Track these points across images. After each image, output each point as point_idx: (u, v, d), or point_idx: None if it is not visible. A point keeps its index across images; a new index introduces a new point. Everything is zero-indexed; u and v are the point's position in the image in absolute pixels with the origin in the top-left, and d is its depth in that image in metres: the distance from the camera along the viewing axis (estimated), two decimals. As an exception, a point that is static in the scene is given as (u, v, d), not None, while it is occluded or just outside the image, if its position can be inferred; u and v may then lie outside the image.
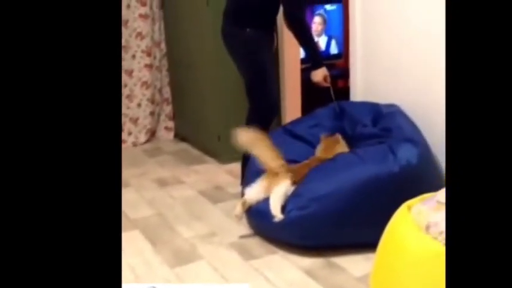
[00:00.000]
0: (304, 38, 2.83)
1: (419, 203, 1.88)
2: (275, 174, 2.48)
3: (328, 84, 2.98)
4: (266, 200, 2.44)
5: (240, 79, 3.07)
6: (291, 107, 3.85)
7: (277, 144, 2.77)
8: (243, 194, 2.60)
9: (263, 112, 2.99)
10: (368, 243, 2.22)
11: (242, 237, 2.61)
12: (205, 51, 3.74)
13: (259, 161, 2.51)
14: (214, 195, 3.20)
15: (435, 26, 2.55)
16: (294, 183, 2.46)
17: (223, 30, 3.02)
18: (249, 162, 2.80)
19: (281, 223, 2.33)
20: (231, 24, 2.95)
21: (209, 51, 3.67)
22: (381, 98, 2.91)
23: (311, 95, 4.04)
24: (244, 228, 2.67)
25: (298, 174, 2.49)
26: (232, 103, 3.67)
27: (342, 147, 2.66)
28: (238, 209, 2.53)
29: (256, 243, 2.53)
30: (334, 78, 2.93)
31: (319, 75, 2.91)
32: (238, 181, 3.31)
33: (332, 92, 3.00)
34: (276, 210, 2.36)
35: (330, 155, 2.59)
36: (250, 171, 2.71)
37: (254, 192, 2.52)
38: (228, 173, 3.56)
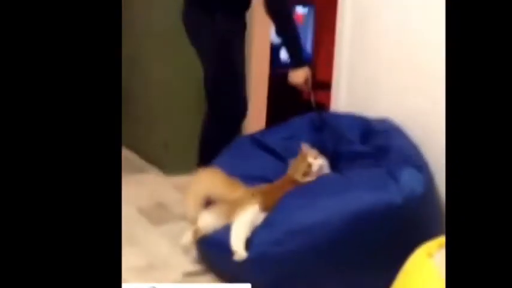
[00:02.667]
0: (286, 26, 2.30)
1: (441, 249, 1.39)
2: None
3: (308, 89, 2.45)
4: (225, 229, 1.86)
5: (193, 76, 2.54)
6: (255, 113, 3.29)
7: (243, 156, 2.22)
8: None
9: (227, 117, 2.43)
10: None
11: (189, 274, 2.00)
12: (152, 42, 3.16)
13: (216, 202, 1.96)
14: (156, 214, 2.58)
15: (435, 33, 2.05)
16: (263, 209, 1.89)
17: (185, 18, 2.46)
18: None
19: (244, 261, 1.76)
20: (195, 10, 2.40)
21: (157, 42, 3.09)
22: (369, 111, 2.39)
23: (279, 100, 3.55)
24: (192, 261, 2.07)
25: (268, 198, 1.93)
26: (183, 105, 3.09)
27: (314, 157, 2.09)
28: (188, 237, 1.93)
29: (207, 284, 1.94)
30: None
31: (300, 76, 2.38)
32: (187, 199, 2.71)
33: (313, 99, 2.47)
34: (237, 244, 1.78)
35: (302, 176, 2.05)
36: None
37: (211, 217, 1.93)
38: (175, 188, 2.94)
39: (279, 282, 1.76)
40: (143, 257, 2.11)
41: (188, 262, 2.06)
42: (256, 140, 2.34)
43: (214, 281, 1.94)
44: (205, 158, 2.50)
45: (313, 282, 1.76)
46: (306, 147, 2.09)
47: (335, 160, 2.20)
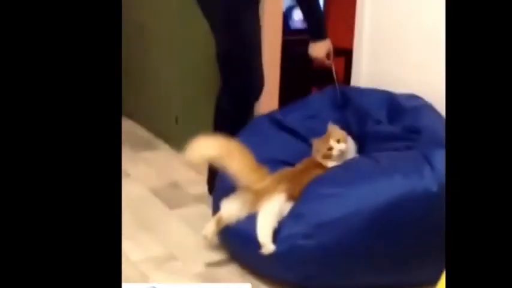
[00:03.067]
0: None
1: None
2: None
3: (330, 63, 2.31)
4: (250, 219, 1.76)
5: (208, 46, 2.39)
6: (266, 89, 3.14)
7: (262, 138, 2.10)
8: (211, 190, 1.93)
9: (240, 93, 2.28)
10: None
11: (212, 264, 1.91)
12: (164, 14, 2.98)
13: (235, 180, 1.83)
14: (171, 196, 2.48)
15: None
16: (290, 197, 1.79)
17: None
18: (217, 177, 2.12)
19: (272, 255, 1.66)
20: None
21: (169, 15, 2.93)
22: (394, 87, 2.25)
23: (291, 68, 3.40)
24: (215, 250, 1.98)
25: (295, 185, 1.82)
26: (196, 77, 2.94)
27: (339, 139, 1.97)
28: (211, 228, 1.83)
29: (232, 275, 1.85)
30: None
31: (322, 49, 2.24)
32: (202, 178, 2.60)
33: (334, 73, 2.33)
34: (265, 237, 1.68)
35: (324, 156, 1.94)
36: (222, 186, 2.01)
37: (234, 206, 1.82)
38: (187, 165, 2.83)
39: (309, 277, 1.67)
40: (162, 246, 2.02)
41: (210, 251, 1.96)
42: (275, 119, 2.21)
43: (238, 272, 1.85)
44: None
45: (344, 277, 1.67)
46: (333, 127, 1.96)
47: (361, 141, 2.09)
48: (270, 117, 2.23)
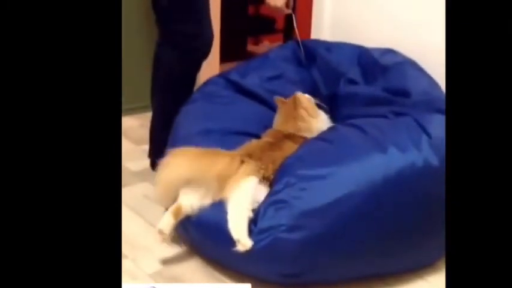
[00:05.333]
0: None
1: None
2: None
3: (289, 11, 1.98)
4: (216, 206, 1.45)
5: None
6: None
7: (218, 104, 1.77)
8: (155, 165, 1.67)
9: (188, 43, 1.89)
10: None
11: (170, 261, 1.59)
12: None
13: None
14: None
15: None
16: (263, 179, 1.48)
17: None
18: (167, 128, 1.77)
19: (250, 252, 1.36)
20: None
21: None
22: (363, 41, 1.97)
23: (226, 22, 3.00)
24: (170, 243, 1.64)
25: (266, 163, 1.52)
26: (124, 33, 2.49)
27: (311, 115, 1.71)
28: (167, 220, 1.49)
29: (196, 273, 1.54)
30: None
31: (281, -4, 1.89)
32: (141, 149, 2.24)
33: (295, 24, 2.01)
34: (239, 231, 1.37)
35: (296, 128, 1.67)
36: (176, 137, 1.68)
37: (196, 193, 1.49)
38: (123, 134, 2.44)
39: (293, 275, 1.40)
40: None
41: (164, 244, 1.62)
42: (230, 81, 1.87)
43: (203, 270, 1.54)
44: (160, 99, 2.02)
45: (336, 272, 1.41)
46: (298, 95, 1.67)
47: (331, 104, 1.81)
48: (226, 78, 1.88)
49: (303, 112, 1.69)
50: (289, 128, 1.68)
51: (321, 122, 1.69)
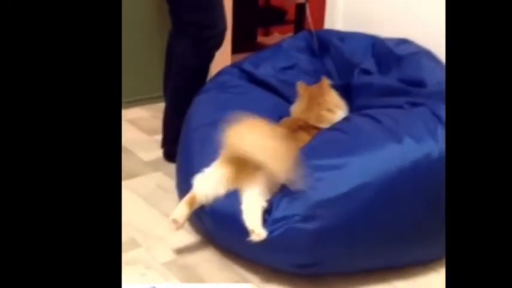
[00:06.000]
0: None
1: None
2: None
3: (303, 0, 1.96)
4: (232, 197, 1.45)
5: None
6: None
7: (232, 95, 1.77)
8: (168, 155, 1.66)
9: (201, 33, 1.88)
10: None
11: (184, 250, 1.60)
12: None
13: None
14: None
15: None
16: (278, 168, 1.48)
17: None
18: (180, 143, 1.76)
19: (264, 242, 1.36)
20: None
21: None
22: (377, 31, 1.95)
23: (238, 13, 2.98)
24: (184, 232, 1.65)
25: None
26: (136, 22, 2.51)
27: (337, 105, 1.70)
28: (182, 210, 1.49)
29: (211, 262, 1.54)
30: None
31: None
32: (153, 139, 2.25)
33: (309, 15, 2.00)
34: (254, 222, 1.37)
35: (317, 117, 1.66)
36: (187, 157, 1.66)
37: (210, 182, 1.49)
38: (133, 124, 2.45)
39: (307, 265, 1.40)
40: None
41: (177, 233, 1.62)
42: (244, 71, 1.87)
43: (217, 259, 1.55)
44: (173, 89, 2.02)
45: (349, 262, 1.41)
46: (326, 81, 1.66)
47: (346, 95, 1.79)
48: (238, 68, 1.87)
49: (330, 100, 1.67)
50: (311, 116, 1.66)
51: (344, 112, 1.68)
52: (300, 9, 2.27)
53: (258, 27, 3.75)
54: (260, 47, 3.18)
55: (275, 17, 3.66)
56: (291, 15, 3.51)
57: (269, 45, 2.30)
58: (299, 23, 3.20)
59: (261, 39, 3.82)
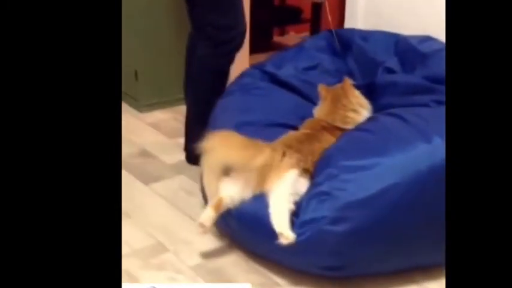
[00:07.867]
0: None
1: None
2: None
3: (323, 0, 1.95)
4: (257, 198, 1.44)
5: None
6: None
7: (255, 96, 1.76)
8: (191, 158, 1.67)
9: (220, 35, 1.88)
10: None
11: (211, 254, 1.60)
12: None
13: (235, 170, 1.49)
14: (142, 168, 2.10)
15: None
16: (303, 171, 1.47)
17: None
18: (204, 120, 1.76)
19: (293, 245, 1.36)
20: None
21: None
22: (399, 29, 1.93)
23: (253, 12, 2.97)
24: (210, 235, 1.65)
25: (306, 155, 1.50)
26: (156, 24, 2.51)
27: (362, 105, 1.69)
28: (208, 214, 1.49)
29: (238, 266, 1.54)
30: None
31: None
32: (174, 142, 2.25)
33: (329, 13, 1.99)
34: (282, 225, 1.36)
35: (343, 118, 1.64)
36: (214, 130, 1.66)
37: (236, 187, 1.49)
38: (154, 127, 2.45)
39: (337, 267, 1.39)
40: (144, 234, 1.67)
41: (204, 237, 1.62)
42: (266, 72, 1.86)
43: (244, 263, 1.54)
44: (193, 92, 2.02)
45: (377, 264, 1.40)
46: (348, 82, 1.65)
47: (369, 94, 1.78)
48: (259, 69, 1.87)
49: (354, 100, 1.66)
50: (336, 118, 1.64)
51: (368, 112, 1.67)
52: (316, 8, 2.25)
53: (273, 27, 3.75)
54: (276, 47, 3.17)
55: (291, 16, 3.65)
56: (307, 14, 3.49)
57: (285, 44, 2.29)
58: (315, 22, 3.18)
59: (277, 38, 3.81)
